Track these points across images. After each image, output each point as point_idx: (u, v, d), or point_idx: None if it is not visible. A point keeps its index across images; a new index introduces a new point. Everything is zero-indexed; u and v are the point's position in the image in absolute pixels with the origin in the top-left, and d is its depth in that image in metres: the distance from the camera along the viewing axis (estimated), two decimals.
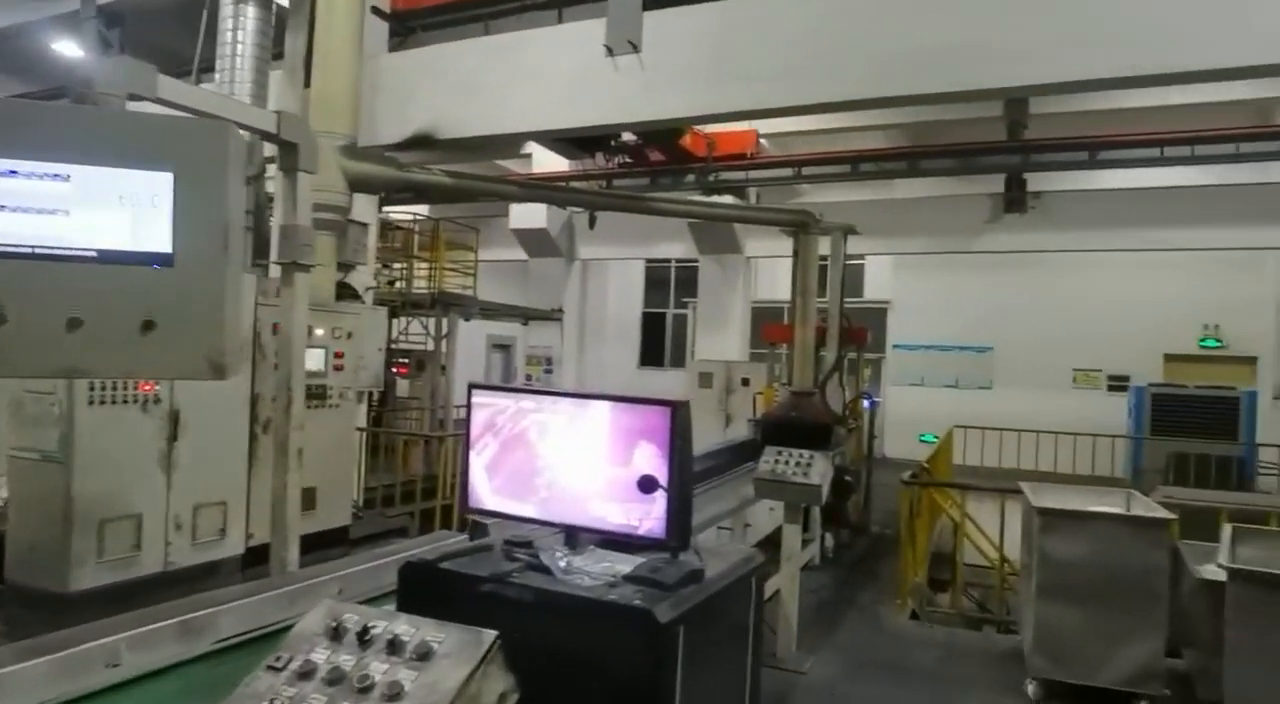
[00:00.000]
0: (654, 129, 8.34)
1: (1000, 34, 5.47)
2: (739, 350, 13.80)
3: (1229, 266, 14.05)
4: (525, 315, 15.50)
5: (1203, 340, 14.83)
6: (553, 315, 15.51)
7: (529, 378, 15.89)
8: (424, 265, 14.53)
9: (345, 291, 7.91)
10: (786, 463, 4.85)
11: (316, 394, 6.72)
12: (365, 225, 8.05)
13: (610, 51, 6.63)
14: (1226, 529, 4.26)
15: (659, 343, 22.27)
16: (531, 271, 16.14)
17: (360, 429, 8.07)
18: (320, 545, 5.94)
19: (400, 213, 14.61)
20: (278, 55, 8.36)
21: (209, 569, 5.82)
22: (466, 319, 15.23)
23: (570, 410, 1.91)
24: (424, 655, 1.39)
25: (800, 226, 9.26)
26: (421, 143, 7.62)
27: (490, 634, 1.41)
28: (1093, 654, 4.37)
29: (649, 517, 1.81)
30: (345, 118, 7.49)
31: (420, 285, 13.81)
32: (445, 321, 12.41)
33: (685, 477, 1.77)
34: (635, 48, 6.50)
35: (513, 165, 16.36)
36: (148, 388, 5.42)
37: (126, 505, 5.30)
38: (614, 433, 1.83)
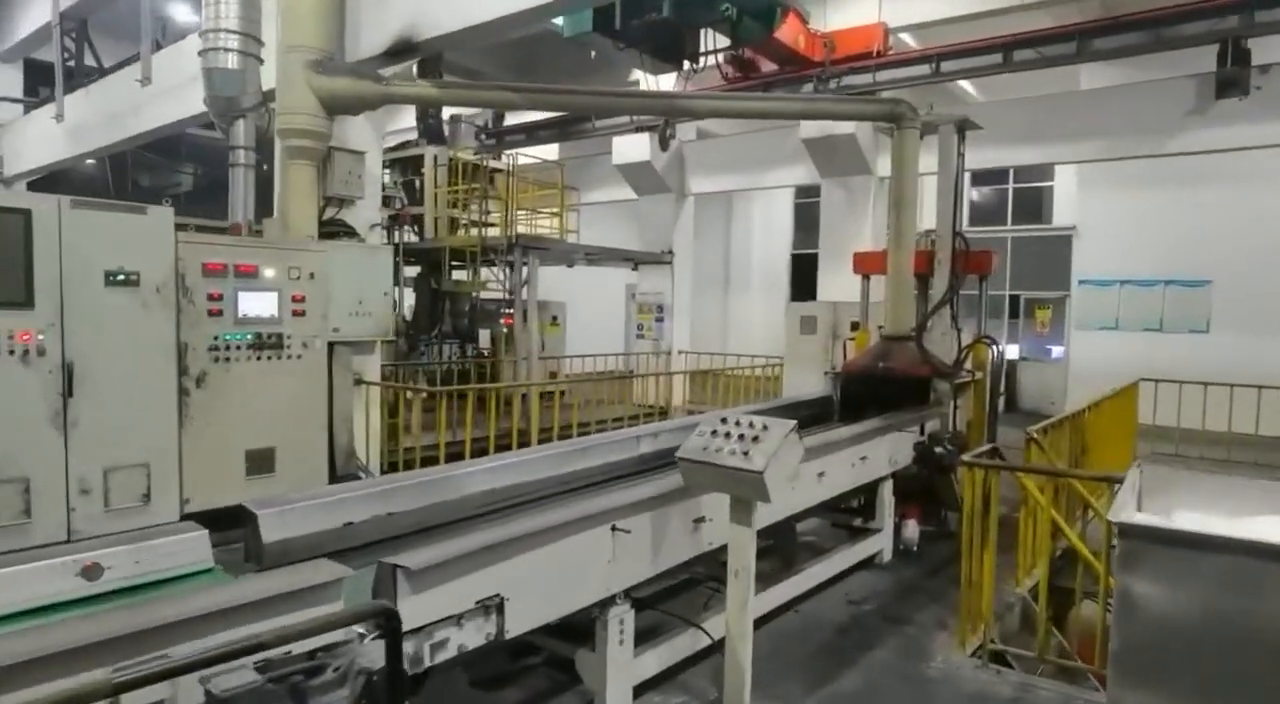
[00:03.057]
0: None
1: None
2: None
3: None
4: (632, 259, 14.21)
5: None
6: (662, 258, 14.09)
7: (640, 328, 14.64)
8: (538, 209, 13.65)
9: (338, 228, 7.04)
10: (728, 435, 3.26)
11: (270, 343, 5.87)
12: (360, 154, 7.08)
13: None
14: None
15: (810, 287, 20.22)
16: (641, 211, 14.75)
17: (363, 381, 7.21)
18: None
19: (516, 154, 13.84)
20: None
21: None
22: (569, 265, 14.23)
23: None
24: None
25: (893, 120, 7.20)
26: (404, 51, 6.48)
27: None
28: None
29: None
30: (314, 29, 6.46)
31: (535, 229, 12.95)
32: (526, 267, 11.38)
33: None
34: None
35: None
36: (26, 337, 4.76)
37: (9, 468, 4.71)
38: None
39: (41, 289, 4.79)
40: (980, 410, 7.17)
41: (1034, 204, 17.09)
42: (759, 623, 4.44)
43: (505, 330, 13.32)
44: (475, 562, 2.71)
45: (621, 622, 3.36)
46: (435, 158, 12.28)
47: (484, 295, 13.47)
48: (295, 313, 6.00)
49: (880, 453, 5.49)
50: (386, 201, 12.32)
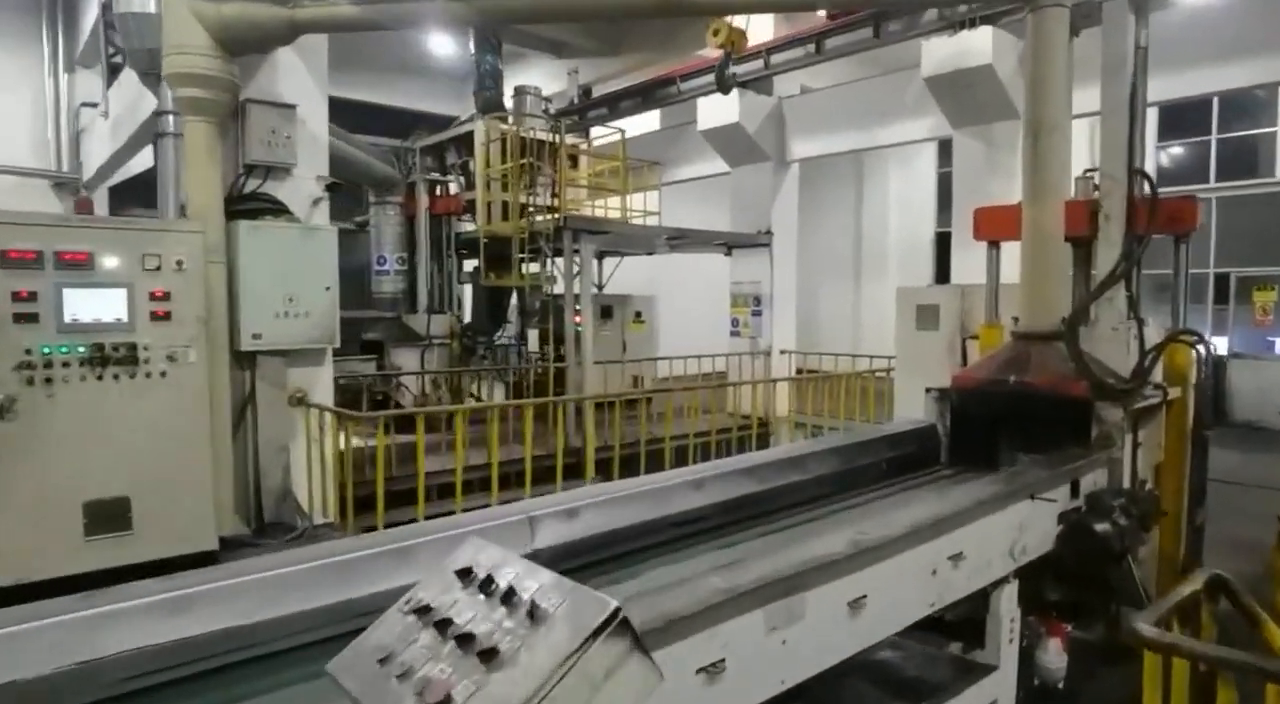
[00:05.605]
0: None
1: None
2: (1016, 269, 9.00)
3: None
4: (724, 242, 12.04)
5: None
6: (758, 240, 11.83)
7: (734, 324, 12.45)
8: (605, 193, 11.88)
9: (262, 204, 5.47)
10: (444, 628, 1.25)
11: (118, 358, 4.34)
12: (289, 108, 5.47)
13: None
14: None
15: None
16: (735, 186, 12.52)
17: (305, 403, 5.59)
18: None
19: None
20: None
21: None
22: (649, 253, 12.31)
23: None
24: None
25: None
26: None
27: None
28: None
29: None
30: None
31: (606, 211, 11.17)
32: (578, 256, 9.54)
33: None
34: None
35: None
36: None
37: None
38: None
39: None
40: (1179, 451, 4.61)
41: (1247, 156, 13.43)
42: None
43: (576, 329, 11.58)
44: None
45: None
46: (487, 132, 10.69)
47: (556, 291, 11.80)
48: (156, 315, 4.44)
49: (990, 542, 3.19)
50: (441, 186, 10.89)
